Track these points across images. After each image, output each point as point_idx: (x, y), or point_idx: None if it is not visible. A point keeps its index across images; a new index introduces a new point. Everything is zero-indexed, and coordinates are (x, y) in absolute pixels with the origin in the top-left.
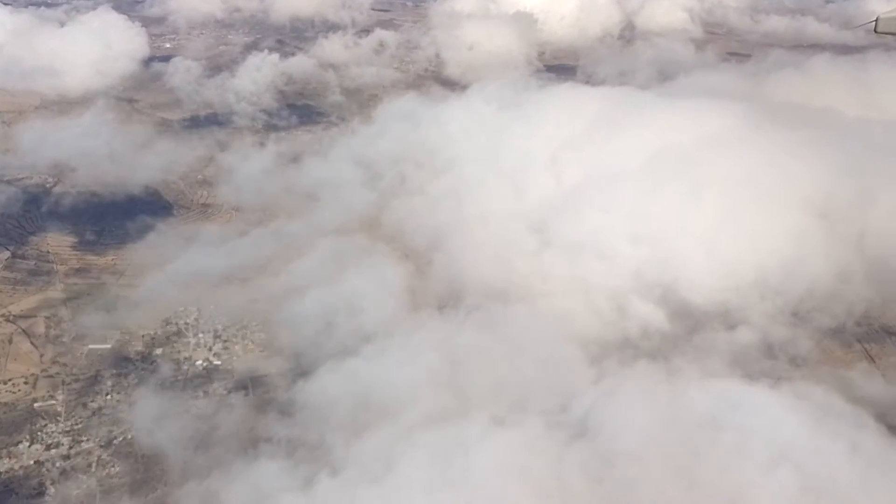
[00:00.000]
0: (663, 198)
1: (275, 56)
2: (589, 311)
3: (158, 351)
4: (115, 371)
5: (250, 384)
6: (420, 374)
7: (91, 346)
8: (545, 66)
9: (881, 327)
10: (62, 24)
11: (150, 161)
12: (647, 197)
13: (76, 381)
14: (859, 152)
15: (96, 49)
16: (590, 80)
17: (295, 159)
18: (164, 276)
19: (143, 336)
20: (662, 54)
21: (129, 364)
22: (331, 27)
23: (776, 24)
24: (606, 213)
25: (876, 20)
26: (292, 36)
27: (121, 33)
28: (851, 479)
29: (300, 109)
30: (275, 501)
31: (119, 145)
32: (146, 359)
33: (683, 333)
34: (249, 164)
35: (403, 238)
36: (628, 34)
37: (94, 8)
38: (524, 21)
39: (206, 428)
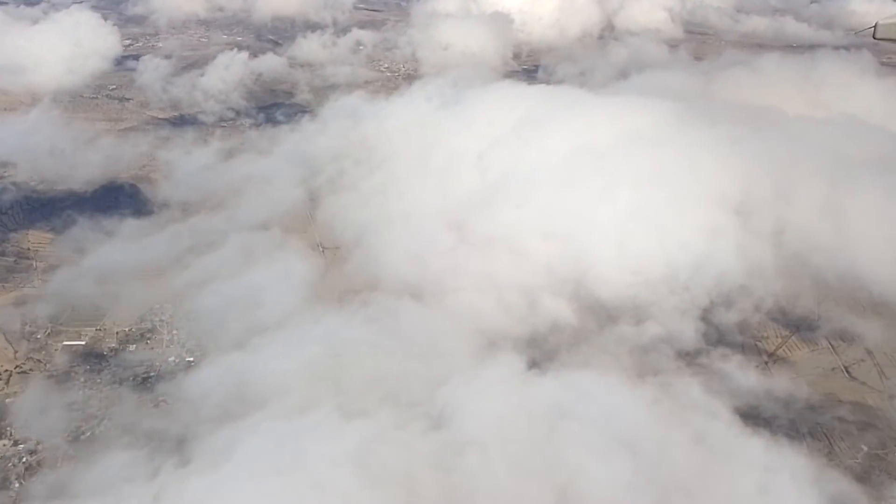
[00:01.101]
0: (578, 194)
1: (244, 55)
2: (498, 307)
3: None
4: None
5: (140, 377)
6: (298, 367)
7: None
8: (521, 66)
9: (789, 321)
10: (35, 22)
11: (93, 158)
12: (561, 193)
13: (49, 377)
14: (786, 149)
15: (66, 47)
16: (550, 80)
17: (237, 156)
18: (77, 270)
19: (117, 333)
20: (633, 54)
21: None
22: (312, 26)
23: (756, 23)
24: (521, 209)
25: (875, 26)
26: (273, 35)
27: (92, 31)
28: (690, 467)
29: (267, 108)
30: (117, 492)
31: (65, 143)
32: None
33: (592, 328)
34: (190, 161)
35: (326, 233)
36: (608, 34)
37: (73, 5)
38: (501, 21)
39: (80, 419)
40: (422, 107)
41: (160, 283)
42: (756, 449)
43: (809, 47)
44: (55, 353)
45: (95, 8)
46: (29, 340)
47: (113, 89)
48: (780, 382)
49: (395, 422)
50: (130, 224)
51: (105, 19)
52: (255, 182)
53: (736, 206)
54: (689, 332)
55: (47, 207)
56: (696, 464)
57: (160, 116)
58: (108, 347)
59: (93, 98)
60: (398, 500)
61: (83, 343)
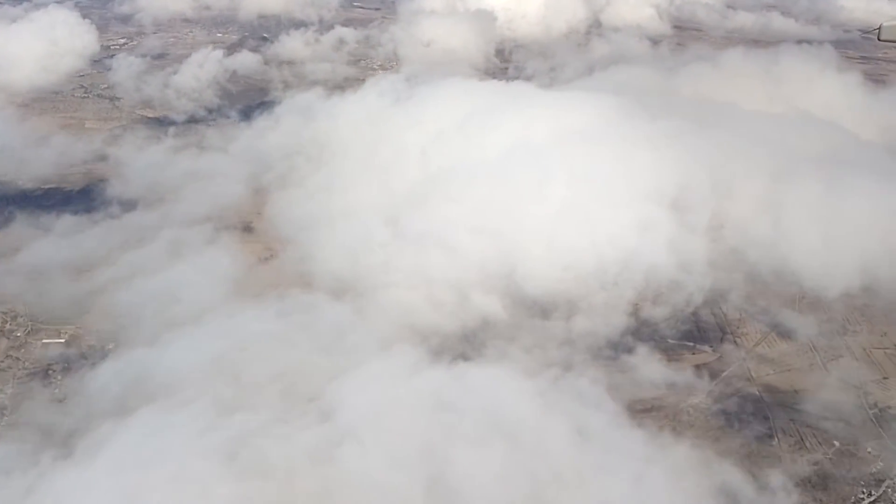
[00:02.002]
0: (512, 190)
1: (219, 52)
2: (428, 303)
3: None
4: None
5: (47, 371)
6: (203, 362)
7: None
8: (504, 63)
9: (717, 316)
10: (14, 21)
11: (45, 156)
12: (496, 189)
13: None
14: (731, 145)
15: (42, 45)
16: (520, 76)
17: (190, 154)
18: (6, 267)
19: (31, 327)
20: (614, 51)
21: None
22: (298, 24)
23: (744, 20)
24: (455, 205)
25: (879, 28)
26: (264, 33)
27: (70, 30)
28: (566, 458)
29: (241, 105)
30: None
31: (16, 140)
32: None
33: (521, 323)
34: (141, 158)
35: (265, 229)
36: (594, 31)
37: (52, 4)
38: (484, 19)
39: None
40: (375, 103)
41: (85, 279)
42: (637, 441)
43: (797, 43)
44: None
45: (81, 7)
46: None
47: (87, 88)
48: (696, 377)
49: (283, 415)
50: (68, 221)
51: (87, 18)
52: (202, 179)
53: (671, 201)
54: (617, 326)
55: None
56: (573, 455)
57: (139, 114)
58: (23, 341)
59: (69, 96)
60: (269, 493)
61: None
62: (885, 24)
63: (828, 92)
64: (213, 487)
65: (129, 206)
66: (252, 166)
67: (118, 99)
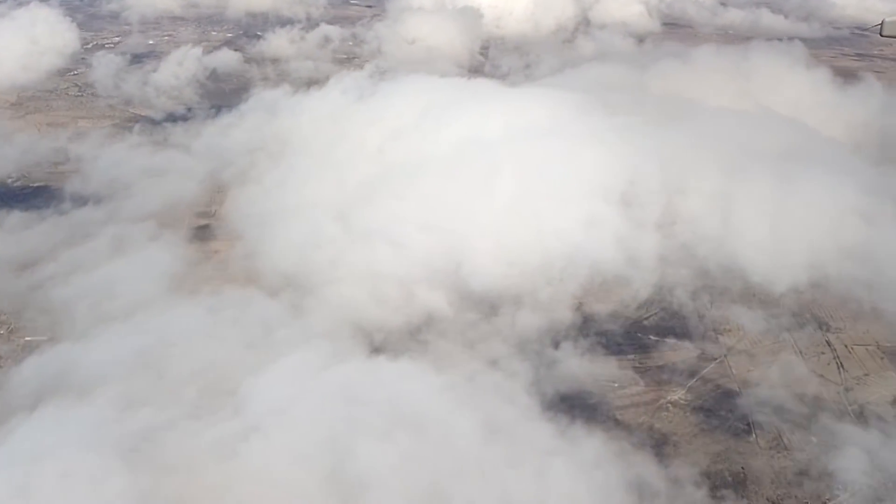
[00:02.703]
0: (459, 185)
1: (198, 50)
2: (373, 299)
3: None
4: None
5: None
6: (127, 357)
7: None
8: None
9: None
10: None
11: (7, 154)
12: (443, 185)
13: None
14: (686, 141)
15: (22, 44)
16: (493, 74)
17: (150, 151)
18: None
19: None
20: (599, 47)
21: None
22: (289, 22)
23: (734, 16)
24: (402, 200)
25: (882, 24)
26: (253, 30)
27: (50, 29)
28: (471, 450)
29: (218, 103)
30: None
31: None
32: None
33: (465, 319)
34: (101, 156)
35: (216, 225)
36: (583, 28)
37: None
38: (470, 16)
39: None
40: (338, 100)
41: (27, 275)
42: (547, 435)
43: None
44: None
45: (74, 6)
46: None
47: (81, 87)
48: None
49: (195, 410)
50: (16, 218)
51: (81, 17)
52: (157, 175)
53: (620, 196)
54: (563, 321)
55: None
56: (478, 449)
57: (133, 112)
58: None
59: (63, 94)
60: (167, 488)
61: None
62: (887, 19)
63: (798, 88)
64: (105, 481)
65: (80, 202)
66: (213, 163)
67: (112, 97)
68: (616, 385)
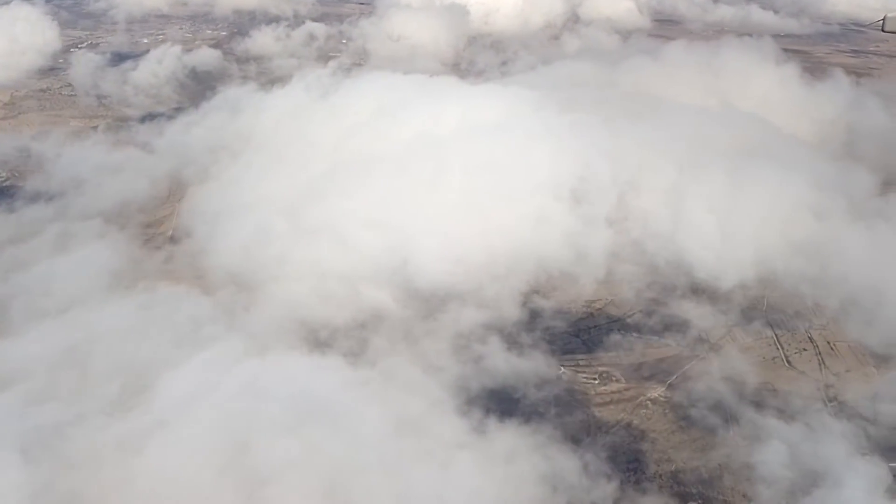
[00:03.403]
0: (407, 183)
1: (177, 48)
2: (318, 296)
3: None
4: None
5: None
6: (52, 354)
7: None
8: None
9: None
10: None
11: None
12: (393, 181)
13: None
14: (644, 137)
15: (2, 44)
16: (469, 72)
17: (109, 149)
18: None
19: None
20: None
21: None
22: (280, 19)
23: (724, 12)
24: (350, 198)
25: (883, 19)
26: (247, 29)
27: (31, 27)
28: (379, 445)
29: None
30: None
31: None
32: None
33: (410, 317)
34: (62, 155)
35: (167, 223)
36: (570, 26)
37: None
38: (456, 13)
39: None
40: (301, 97)
41: None
42: (458, 430)
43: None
44: None
45: (66, 5)
46: None
47: (59, 88)
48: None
49: (107, 406)
50: None
51: (67, 14)
52: (116, 174)
53: (570, 193)
54: (508, 317)
55: None
56: (386, 444)
57: (126, 112)
58: None
59: (56, 94)
60: (65, 483)
61: None
62: (889, 15)
63: (768, 84)
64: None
65: (33, 200)
66: (174, 161)
67: (105, 97)
68: (558, 379)
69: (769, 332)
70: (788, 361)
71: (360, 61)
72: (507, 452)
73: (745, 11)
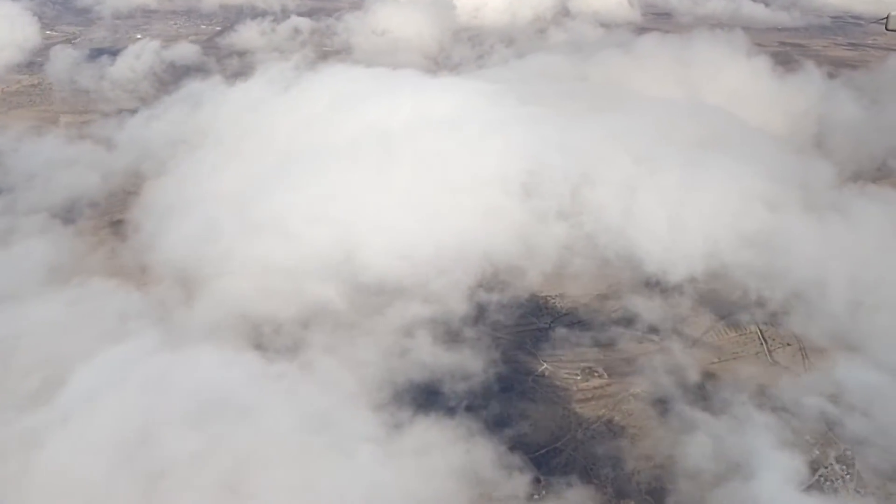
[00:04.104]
0: (356, 176)
1: (155, 43)
2: (262, 291)
3: None
4: None
5: None
6: None
7: None
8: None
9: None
10: None
11: None
12: (341, 175)
13: None
14: (603, 130)
15: None
16: (444, 66)
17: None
18: None
19: None
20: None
21: None
22: (259, 14)
23: (715, 5)
24: (298, 191)
25: (887, 18)
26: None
27: (9, 23)
28: (286, 439)
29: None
30: None
31: None
32: None
33: (356, 312)
34: (20, 149)
35: (117, 218)
36: (557, 19)
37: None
38: (441, 7)
39: None
40: (261, 91)
41: None
42: (370, 424)
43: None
44: None
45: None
46: None
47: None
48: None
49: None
50: None
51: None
52: (68, 168)
53: (521, 187)
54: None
55: None
56: (294, 438)
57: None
58: None
59: (48, 89)
60: None
61: None
62: (893, 13)
63: (735, 77)
64: None
65: None
66: (132, 155)
67: (88, 92)
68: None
69: (717, 325)
70: (732, 355)
71: (345, 55)
72: (420, 446)
73: (736, 4)
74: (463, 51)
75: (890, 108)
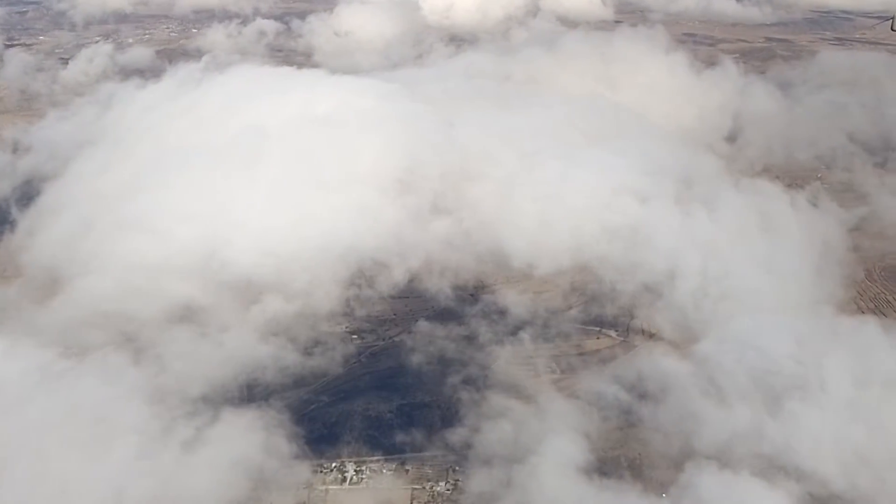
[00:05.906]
0: (226, 174)
1: (109, 47)
2: (124, 289)
3: None
4: None
5: None
6: None
7: None
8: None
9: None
10: None
11: None
12: (212, 173)
13: None
14: (494, 127)
15: None
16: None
17: None
18: None
19: None
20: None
21: None
22: (232, 16)
23: (687, 2)
24: (168, 189)
25: (893, 18)
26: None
27: None
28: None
29: None
30: None
31: None
32: None
33: (223, 307)
34: None
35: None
36: (522, 19)
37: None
38: (407, 8)
39: None
40: (168, 92)
41: None
42: (142, 418)
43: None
44: None
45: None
46: None
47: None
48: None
49: None
50: None
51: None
52: None
53: (397, 184)
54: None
55: None
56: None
57: None
58: None
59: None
60: None
61: None
62: None
63: (657, 73)
64: None
65: None
66: (34, 157)
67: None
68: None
69: (580, 317)
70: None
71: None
72: (200, 439)
73: (707, 1)
74: (402, 51)
75: (805, 102)
